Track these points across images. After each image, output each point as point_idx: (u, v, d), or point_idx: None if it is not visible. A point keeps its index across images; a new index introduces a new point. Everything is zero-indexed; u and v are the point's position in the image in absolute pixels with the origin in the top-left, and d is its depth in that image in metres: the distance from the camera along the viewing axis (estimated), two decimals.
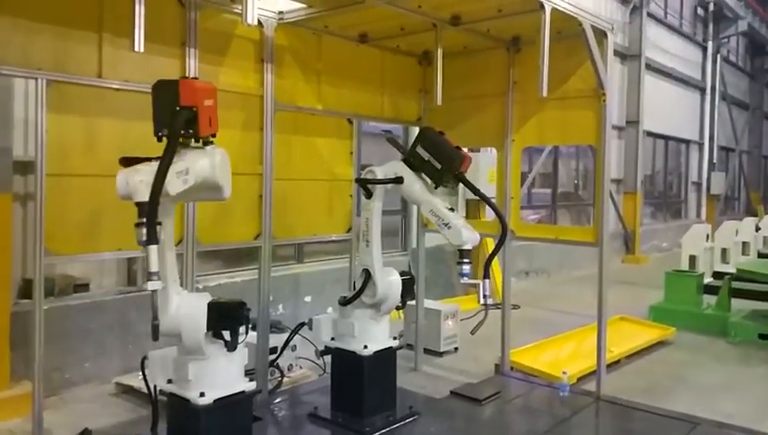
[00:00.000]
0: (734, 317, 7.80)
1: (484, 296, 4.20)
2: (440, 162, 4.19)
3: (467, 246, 4.07)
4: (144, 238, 2.69)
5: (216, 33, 4.38)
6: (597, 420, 4.77)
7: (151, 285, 2.75)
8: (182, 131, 3.04)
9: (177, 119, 3.02)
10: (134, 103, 3.97)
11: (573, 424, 4.54)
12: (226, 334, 3.34)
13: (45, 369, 5.09)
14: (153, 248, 2.69)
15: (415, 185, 4.27)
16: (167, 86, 3.09)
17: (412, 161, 4.30)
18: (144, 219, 2.67)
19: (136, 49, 3.39)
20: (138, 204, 2.75)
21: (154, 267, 2.74)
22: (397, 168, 4.34)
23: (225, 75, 4.40)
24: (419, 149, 4.28)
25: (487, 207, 8.59)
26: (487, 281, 4.22)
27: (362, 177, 4.41)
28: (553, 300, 9.96)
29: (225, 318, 3.34)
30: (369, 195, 4.40)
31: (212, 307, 3.31)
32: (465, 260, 4.08)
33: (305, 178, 5.12)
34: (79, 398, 5.32)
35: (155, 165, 2.82)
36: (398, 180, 4.29)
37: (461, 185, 4.27)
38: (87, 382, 5.53)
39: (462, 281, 4.30)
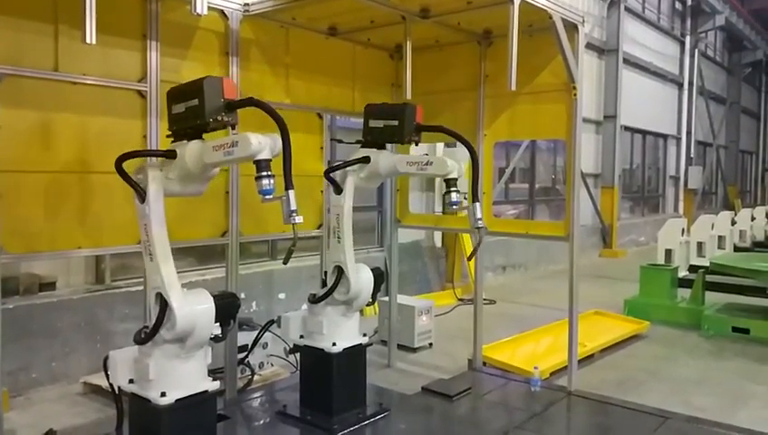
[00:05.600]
0: (708, 311, 7.86)
1: (478, 220, 4.25)
2: (395, 119, 4.33)
3: (453, 175, 4.18)
4: (270, 187, 3.14)
5: (179, 26, 4.28)
6: (568, 415, 4.76)
7: (298, 219, 3.19)
8: (227, 119, 3.33)
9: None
10: (93, 97, 3.88)
11: (544, 419, 4.52)
12: (216, 327, 3.42)
13: (11, 369, 5.04)
14: (292, 192, 3.17)
15: (381, 155, 4.39)
16: (214, 82, 3.29)
17: (370, 139, 4.45)
18: (266, 172, 3.12)
19: (87, 41, 3.29)
20: (259, 161, 3.13)
21: (295, 205, 3.18)
22: (359, 153, 4.44)
23: (187, 69, 4.29)
24: (372, 123, 4.45)
25: (463, 202, 8.62)
26: (477, 204, 4.25)
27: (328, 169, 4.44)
28: (530, 295, 9.99)
29: (224, 312, 3.43)
30: (338, 190, 4.38)
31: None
32: (453, 189, 4.20)
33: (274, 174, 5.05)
34: (45, 398, 5.23)
35: (269, 135, 3.23)
36: (365, 159, 4.37)
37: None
38: (54, 382, 5.43)
39: (451, 209, 4.42)
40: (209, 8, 4.07)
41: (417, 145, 4.53)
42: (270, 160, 3.16)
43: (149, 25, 4.10)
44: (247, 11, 4.60)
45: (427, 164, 4.27)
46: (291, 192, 3.16)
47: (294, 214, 3.18)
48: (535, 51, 4.92)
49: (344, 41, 5.46)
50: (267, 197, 3.14)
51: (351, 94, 5.59)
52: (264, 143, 3.16)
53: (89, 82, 3.85)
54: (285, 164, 3.16)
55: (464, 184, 5.78)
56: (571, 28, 4.76)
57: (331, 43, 5.37)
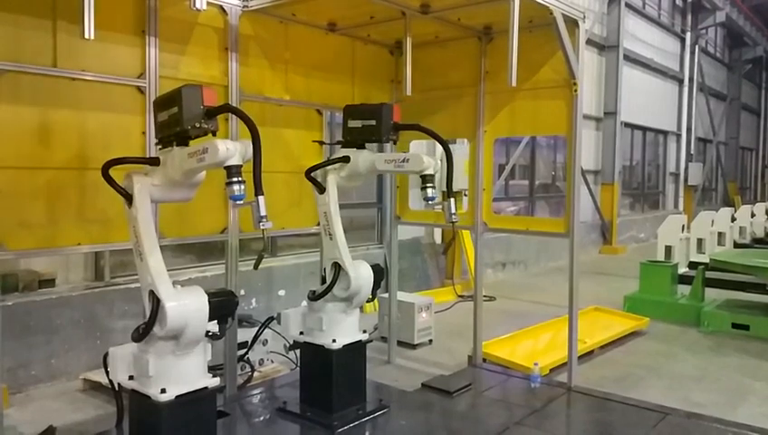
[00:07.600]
0: (708, 307, 7.86)
1: (452, 214, 4.44)
2: (373, 119, 4.41)
3: (429, 171, 4.27)
4: (241, 193, 3.17)
5: (178, 21, 4.26)
6: (567, 411, 4.76)
7: (267, 225, 3.24)
8: (206, 126, 3.34)
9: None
10: (92, 93, 3.87)
11: (544, 415, 4.52)
12: (214, 325, 3.43)
13: (11, 365, 5.04)
14: (262, 198, 3.20)
15: (361, 155, 4.46)
16: (192, 90, 3.30)
17: (350, 139, 4.52)
18: (236, 178, 3.14)
19: (86, 36, 3.29)
20: (230, 167, 3.14)
21: (264, 211, 3.22)
22: (339, 153, 4.52)
23: (186, 65, 4.29)
24: (350, 123, 4.52)
25: (464, 198, 8.65)
26: (452, 200, 4.44)
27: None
28: (530, 291, 9.99)
29: (220, 309, 3.43)
30: (321, 190, 4.45)
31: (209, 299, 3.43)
32: (429, 185, 4.28)
33: (273, 170, 5.01)
34: (45, 394, 5.24)
35: (240, 140, 3.33)
36: (345, 159, 4.44)
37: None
38: (54, 379, 5.44)
39: (428, 204, 4.49)
40: (208, 4, 4.07)
41: (395, 144, 4.62)
42: (240, 166, 3.18)
43: (149, 21, 4.09)
44: (246, 6, 4.58)
45: (403, 161, 4.36)
46: (261, 198, 3.20)
47: (264, 219, 3.21)
48: (536, 47, 4.90)
49: (344, 36, 5.44)
50: (238, 202, 3.19)
51: (351, 90, 5.57)
52: (232, 150, 3.17)
53: (88, 78, 3.84)
54: (255, 170, 3.17)
55: (465, 181, 5.80)
56: (572, 24, 4.74)
57: (330, 38, 5.35)
